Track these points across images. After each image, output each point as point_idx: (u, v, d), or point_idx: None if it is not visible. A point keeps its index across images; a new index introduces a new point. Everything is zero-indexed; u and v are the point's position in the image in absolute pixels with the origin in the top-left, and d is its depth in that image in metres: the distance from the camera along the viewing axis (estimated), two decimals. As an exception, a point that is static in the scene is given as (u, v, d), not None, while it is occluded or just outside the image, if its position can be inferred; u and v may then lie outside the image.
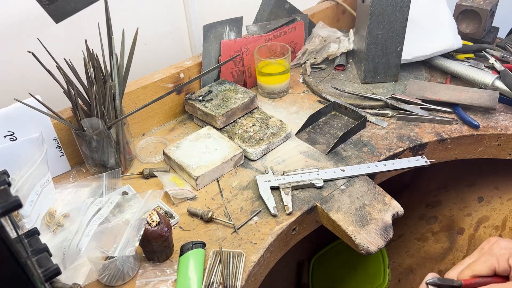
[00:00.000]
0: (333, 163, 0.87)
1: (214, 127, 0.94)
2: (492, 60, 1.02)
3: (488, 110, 0.96)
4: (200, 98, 0.98)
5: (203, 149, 0.88)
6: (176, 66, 1.00)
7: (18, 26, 0.88)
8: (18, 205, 0.34)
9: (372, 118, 0.97)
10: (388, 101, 0.99)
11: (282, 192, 0.80)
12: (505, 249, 0.54)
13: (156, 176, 0.86)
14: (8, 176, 0.42)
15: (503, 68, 0.99)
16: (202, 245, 0.71)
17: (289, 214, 0.77)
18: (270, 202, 0.78)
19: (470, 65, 1.05)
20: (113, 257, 0.64)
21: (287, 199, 0.79)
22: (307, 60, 1.15)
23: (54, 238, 0.73)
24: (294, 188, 0.81)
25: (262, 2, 1.10)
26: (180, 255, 0.70)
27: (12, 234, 0.38)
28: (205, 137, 0.91)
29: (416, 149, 0.91)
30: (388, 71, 1.05)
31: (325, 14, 1.24)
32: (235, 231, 0.75)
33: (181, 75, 1.00)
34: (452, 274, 0.57)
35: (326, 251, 1.31)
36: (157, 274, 0.69)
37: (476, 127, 0.92)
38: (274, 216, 0.77)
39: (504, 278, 0.56)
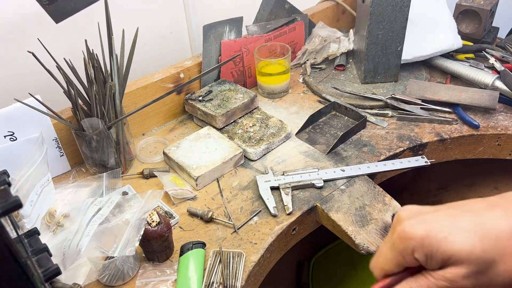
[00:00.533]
0: (333, 163, 0.87)
1: (214, 127, 0.94)
2: (492, 60, 1.02)
3: (488, 110, 0.96)
4: (200, 98, 0.98)
5: (203, 149, 0.88)
6: (176, 66, 1.00)
7: (18, 26, 0.88)
8: (18, 205, 0.34)
9: (372, 118, 0.97)
10: (388, 101, 0.99)
11: (282, 192, 0.80)
12: (406, 240, 0.45)
13: (156, 176, 0.86)
14: (8, 176, 0.42)
15: (503, 68, 0.99)
16: (202, 245, 0.71)
17: (289, 214, 0.77)
18: (270, 202, 0.78)
19: (470, 65, 1.05)
20: (113, 257, 0.64)
21: (287, 199, 0.78)
22: (307, 60, 1.15)
23: (54, 238, 0.73)
24: (294, 188, 0.81)
25: (262, 2, 1.10)
26: (180, 255, 0.70)
27: (12, 234, 0.38)
28: (205, 137, 0.91)
29: (416, 149, 0.91)
30: (388, 71, 1.05)
31: (325, 14, 1.24)
32: (235, 231, 0.75)
33: (181, 75, 1.00)
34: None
35: (326, 251, 1.31)
36: (157, 274, 0.69)
37: (476, 127, 0.92)
38: (274, 216, 0.77)
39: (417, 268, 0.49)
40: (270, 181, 0.82)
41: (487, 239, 0.40)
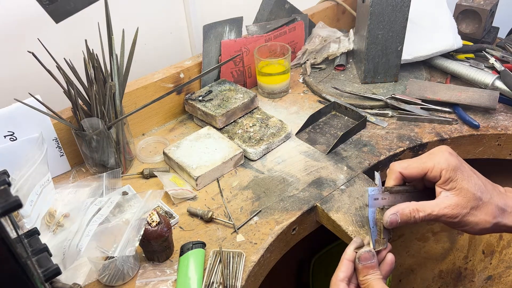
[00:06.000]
0: (333, 163, 0.87)
1: (214, 127, 0.94)
2: (492, 60, 1.02)
3: (488, 110, 0.96)
4: (200, 98, 0.98)
5: (203, 149, 0.88)
6: (176, 66, 1.00)
7: (18, 26, 0.88)
8: (18, 205, 0.34)
9: (372, 118, 0.97)
10: (388, 101, 0.99)
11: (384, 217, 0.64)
12: (446, 163, 0.61)
13: (156, 176, 0.86)
14: (8, 176, 0.41)
15: (503, 68, 0.99)
16: (202, 245, 0.71)
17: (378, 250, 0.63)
18: (374, 232, 0.63)
19: (470, 65, 1.05)
20: (113, 257, 0.64)
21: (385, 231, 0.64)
22: (307, 60, 1.15)
23: (54, 238, 0.73)
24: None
25: (262, 2, 1.10)
26: (180, 255, 0.70)
27: (12, 234, 0.38)
28: (205, 137, 0.91)
29: (416, 149, 0.91)
30: (388, 71, 1.05)
31: (325, 14, 1.24)
32: (235, 231, 0.75)
33: (181, 75, 1.00)
34: (394, 165, 0.65)
35: (327, 251, 1.31)
36: (157, 274, 0.69)
37: (476, 127, 0.92)
38: (376, 250, 0.62)
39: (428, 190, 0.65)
40: (378, 199, 0.64)
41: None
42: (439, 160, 0.61)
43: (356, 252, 0.61)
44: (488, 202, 0.60)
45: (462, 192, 0.60)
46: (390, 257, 0.63)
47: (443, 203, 0.60)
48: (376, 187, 0.64)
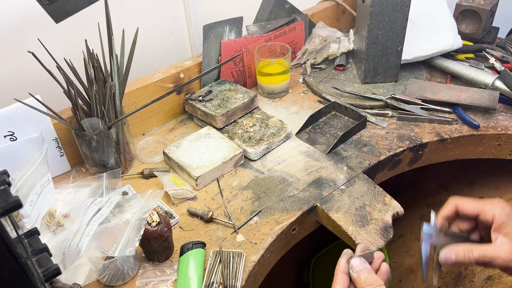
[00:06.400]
0: (333, 163, 0.87)
1: (214, 127, 0.94)
2: (492, 60, 1.02)
3: (488, 110, 0.96)
4: (200, 98, 0.98)
5: (203, 149, 0.88)
6: (176, 66, 1.00)
7: (18, 26, 0.88)
8: (18, 205, 0.34)
9: (372, 118, 0.97)
10: (388, 101, 0.99)
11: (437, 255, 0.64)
12: (501, 208, 0.62)
13: (156, 176, 0.86)
14: (8, 176, 0.41)
15: (503, 68, 0.99)
16: (202, 245, 0.71)
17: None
18: (426, 267, 0.65)
19: (470, 65, 1.05)
20: (113, 257, 0.64)
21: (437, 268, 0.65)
22: (307, 60, 1.15)
23: (54, 238, 0.73)
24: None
25: (262, 2, 1.10)
26: (180, 255, 0.70)
27: (12, 234, 0.38)
28: (205, 137, 0.91)
29: (416, 149, 0.91)
30: (388, 71, 1.05)
31: (325, 14, 1.24)
32: (235, 231, 0.75)
33: (181, 75, 1.00)
34: (453, 197, 0.68)
35: (327, 251, 1.31)
36: (157, 274, 0.69)
37: (476, 127, 0.92)
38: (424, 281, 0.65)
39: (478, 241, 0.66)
40: (432, 237, 0.65)
41: None
42: (494, 204, 0.63)
43: (349, 263, 0.62)
44: None
45: None
46: (385, 266, 0.63)
47: (498, 247, 0.60)
48: (431, 226, 0.66)
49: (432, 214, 0.67)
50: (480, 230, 0.67)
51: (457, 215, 0.67)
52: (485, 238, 0.65)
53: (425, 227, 0.66)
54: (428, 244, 0.65)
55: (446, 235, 0.66)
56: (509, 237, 0.61)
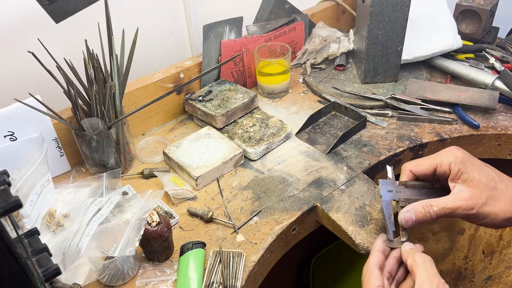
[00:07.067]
0: (333, 163, 0.87)
1: (214, 127, 0.94)
2: (492, 60, 1.02)
3: (488, 110, 0.96)
4: (200, 98, 0.98)
5: (203, 149, 0.88)
6: (176, 66, 1.00)
7: (18, 26, 0.88)
8: (18, 205, 0.34)
9: (372, 118, 0.97)
10: (388, 101, 0.99)
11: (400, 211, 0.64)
12: (454, 156, 0.61)
13: (156, 176, 0.86)
14: (8, 176, 0.41)
15: (503, 68, 0.99)
16: (202, 245, 0.71)
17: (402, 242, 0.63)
18: (390, 223, 0.63)
19: (470, 65, 1.05)
20: (113, 257, 0.64)
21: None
22: (307, 60, 1.15)
23: (54, 238, 0.73)
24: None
25: (262, 2, 1.10)
26: (180, 255, 0.70)
27: (12, 234, 0.38)
28: (205, 137, 0.91)
29: (416, 149, 0.91)
30: (388, 71, 1.05)
31: (325, 14, 1.24)
32: (235, 231, 0.75)
33: (181, 75, 1.00)
34: (405, 165, 0.66)
35: (327, 251, 1.31)
36: (157, 274, 0.69)
37: (476, 127, 0.92)
38: (391, 241, 0.63)
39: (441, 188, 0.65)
40: (392, 191, 0.65)
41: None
42: (447, 155, 0.62)
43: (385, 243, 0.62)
44: (505, 191, 0.59)
45: (474, 183, 0.59)
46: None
47: (456, 196, 0.59)
48: (389, 179, 0.65)
49: (389, 168, 0.66)
50: (442, 183, 0.65)
51: (417, 179, 0.66)
52: (446, 186, 0.64)
53: (382, 182, 0.64)
54: (389, 199, 0.64)
55: (407, 187, 0.65)
56: (466, 183, 0.60)
